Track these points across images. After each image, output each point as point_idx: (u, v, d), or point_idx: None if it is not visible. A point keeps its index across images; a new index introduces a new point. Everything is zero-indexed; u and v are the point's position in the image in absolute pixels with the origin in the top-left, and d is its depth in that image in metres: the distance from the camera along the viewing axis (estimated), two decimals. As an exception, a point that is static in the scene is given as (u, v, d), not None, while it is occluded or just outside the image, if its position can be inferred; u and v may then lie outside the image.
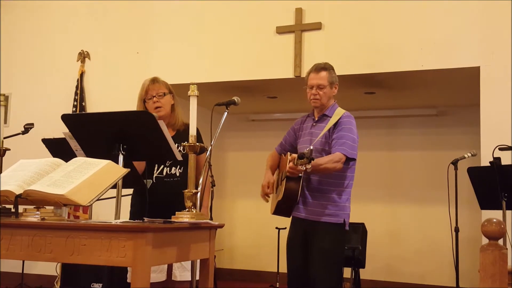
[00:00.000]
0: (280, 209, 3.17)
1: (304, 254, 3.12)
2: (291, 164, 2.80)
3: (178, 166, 3.04)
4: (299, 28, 5.16)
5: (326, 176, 3.08)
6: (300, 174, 3.00)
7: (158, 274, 2.92)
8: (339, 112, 3.16)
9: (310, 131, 3.21)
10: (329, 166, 2.94)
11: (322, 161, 2.93)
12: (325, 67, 3.21)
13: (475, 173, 3.67)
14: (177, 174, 3.04)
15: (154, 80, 3.10)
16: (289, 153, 3.18)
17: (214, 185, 4.46)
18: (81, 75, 5.91)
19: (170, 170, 3.04)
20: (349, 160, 3.04)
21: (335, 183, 3.10)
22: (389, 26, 4.92)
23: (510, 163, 3.62)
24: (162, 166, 3.04)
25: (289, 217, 3.27)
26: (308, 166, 2.65)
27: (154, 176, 3.04)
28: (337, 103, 3.29)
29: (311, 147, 2.74)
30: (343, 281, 4.95)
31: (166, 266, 2.94)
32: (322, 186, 3.10)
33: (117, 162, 2.25)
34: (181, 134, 3.03)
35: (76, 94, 5.83)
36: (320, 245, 3.06)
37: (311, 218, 3.10)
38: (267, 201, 3.27)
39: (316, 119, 3.23)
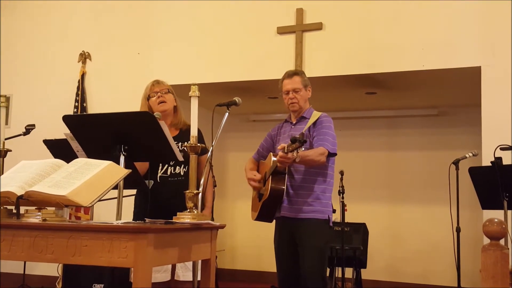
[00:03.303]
0: (264, 211, 3.20)
1: (293, 254, 3.18)
2: (281, 153, 2.83)
3: (183, 166, 3.06)
4: (300, 29, 5.16)
5: (309, 174, 3.16)
6: (287, 166, 3.03)
7: (162, 274, 2.93)
8: (316, 113, 3.27)
9: (290, 133, 3.26)
10: (315, 158, 3.04)
11: (308, 153, 3.01)
12: (297, 72, 3.39)
13: (476, 173, 3.67)
14: (182, 174, 3.06)
15: (157, 81, 3.20)
16: (271, 153, 3.26)
17: (215, 186, 4.47)
18: (82, 76, 5.91)
19: (175, 169, 3.07)
20: (330, 156, 3.14)
21: (318, 180, 3.18)
22: (390, 26, 4.92)
23: (511, 163, 3.62)
24: (166, 166, 3.06)
25: (271, 221, 3.32)
26: (301, 149, 2.70)
27: (158, 176, 3.05)
28: (312, 106, 3.38)
29: (303, 131, 2.79)
30: (345, 281, 4.97)
31: (170, 266, 2.95)
32: (306, 184, 3.17)
33: (118, 163, 2.25)
34: (184, 133, 3.06)
35: (77, 95, 5.84)
36: (311, 244, 3.12)
37: (297, 216, 3.15)
38: (262, 186, 3.27)
39: (294, 122, 3.33)
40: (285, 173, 3.12)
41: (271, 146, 3.41)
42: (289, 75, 3.33)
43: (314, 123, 3.19)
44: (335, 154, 3.17)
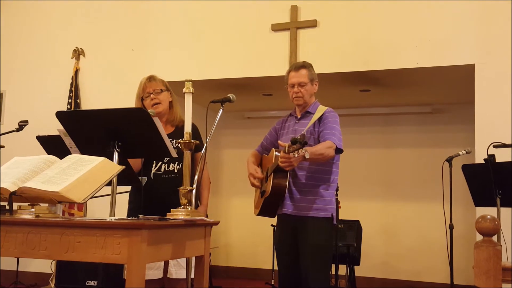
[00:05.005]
0: (266, 208, 3.15)
1: (294, 251, 3.13)
2: (282, 153, 2.77)
3: (177, 163, 3.04)
4: (294, 26, 5.16)
5: (314, 172, 3.10)
6: (292, 167, 2.94)
7: (155, 271, 2.92)
8: (322, 108, 3.19)
9: (294, 128, 3.21)
10: (325, 152, 2.94)
11: (317, 148, 2.93)
12: (304, 65, 3.25)
13: (470, 170, 3.68)
14: (175, 171, 3.04)
15: (151, 78, 3.13)
16: (273, 149, 3.19)
17: (209, 182, 4.46)
18: (76, 72, 5.89)
19: (168, 166, 3.05)
20: (337, 152, 3.07)
21: (322, 178, 3.12)
22: (384, 23, 4.93)
23: (504, 160, 3.64)
24: (160, 163, 3.04)
25: (274, 217, 3.26)
26: (302, 151, 2.61)
27: (152, 173, 3.03)
28: (318, 100, 3.31)
29: (303, 132, 2.73)
30: (339, 278, 4.98)
31: (162, 263, 2.94)
32: (309, 182, 3.11)
33: (112, 159, 2.25)
34: (180, 129, 3.02)
35: (70, 91, 5.82)
36: (312, 242, 3.06)
37: (300, 214, 3.10)
38: (260, 187, 3.23)
39: (299, 116, 3.25)
40: (288, 170, 3.03)
41: (275, 140, 3.32)
42: (296, 67, 3.21)
43: (319, 119, 3.11)
44: (341, 151, 3.07)
